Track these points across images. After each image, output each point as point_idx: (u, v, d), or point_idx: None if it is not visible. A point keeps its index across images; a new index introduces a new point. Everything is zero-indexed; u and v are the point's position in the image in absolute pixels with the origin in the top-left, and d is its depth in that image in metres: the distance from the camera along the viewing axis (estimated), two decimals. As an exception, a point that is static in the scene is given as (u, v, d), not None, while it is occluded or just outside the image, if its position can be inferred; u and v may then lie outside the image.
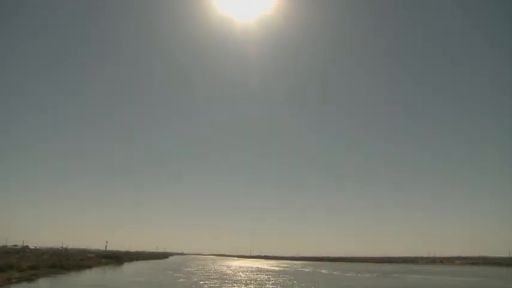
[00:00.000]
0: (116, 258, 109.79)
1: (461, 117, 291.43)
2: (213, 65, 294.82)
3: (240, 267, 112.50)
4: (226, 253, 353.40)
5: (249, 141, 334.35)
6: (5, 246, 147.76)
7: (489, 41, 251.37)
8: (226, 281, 53.05)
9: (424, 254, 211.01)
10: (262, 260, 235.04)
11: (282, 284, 49.58)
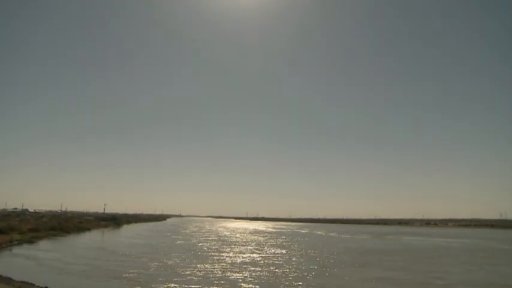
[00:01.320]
0: (114, 221, 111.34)
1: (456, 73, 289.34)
2: (214, 21, 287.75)
3: (237, 228, 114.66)
4: (224, 215, 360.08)
5: (247, 100, 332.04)
6: (4, 210, 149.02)
7: None
8: (225, 242, 53.85)
9: (419, 217, 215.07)
10: (259, 221, 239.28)
11: (280, 245, 50.32)
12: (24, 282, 20.30)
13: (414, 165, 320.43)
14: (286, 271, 26.20)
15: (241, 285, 21.00)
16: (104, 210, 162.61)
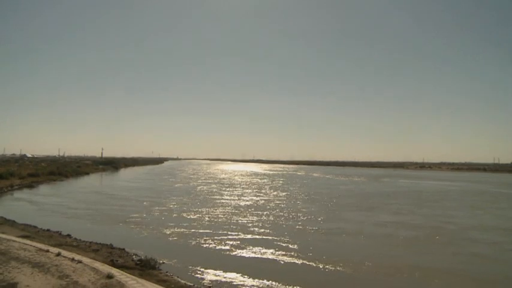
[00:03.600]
0: (112, 165, 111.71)
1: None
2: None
3: (234, 171, 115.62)
4: (221, 157, 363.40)
5: (246, 46, 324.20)
6: (3, 155, 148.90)
7: None
8: (225, 185, 54.07)
9: (413, 160, 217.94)
10: (255, 163, 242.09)
11: (281, 188, 50.50)
12: (27, 224, 20.45)
13: (409, 108, 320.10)
14: (294, 215, 25.97)
15: (253, 231, 20.37)
16: (102, 154, 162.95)
